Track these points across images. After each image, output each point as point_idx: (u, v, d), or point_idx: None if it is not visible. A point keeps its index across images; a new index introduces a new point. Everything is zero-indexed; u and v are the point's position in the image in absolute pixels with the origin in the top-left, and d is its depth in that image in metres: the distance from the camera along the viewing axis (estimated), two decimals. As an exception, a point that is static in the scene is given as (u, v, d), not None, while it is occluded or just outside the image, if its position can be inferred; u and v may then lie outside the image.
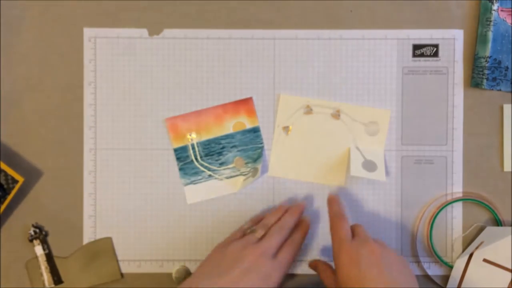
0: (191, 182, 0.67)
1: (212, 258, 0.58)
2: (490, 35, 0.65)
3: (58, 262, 0.67)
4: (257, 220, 0.63)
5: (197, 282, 0.54)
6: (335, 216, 0.60)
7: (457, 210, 0.67)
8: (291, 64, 0.67)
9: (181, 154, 0.67)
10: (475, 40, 0.67)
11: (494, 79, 0.65)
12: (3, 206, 0.64)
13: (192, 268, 0.67)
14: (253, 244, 0.57)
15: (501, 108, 0.67)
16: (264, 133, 0.67)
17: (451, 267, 0.66)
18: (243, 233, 0.60)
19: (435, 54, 0.67)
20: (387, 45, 0.67)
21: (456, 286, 0.64)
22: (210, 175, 0.67)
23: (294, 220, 0.62)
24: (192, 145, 0.67)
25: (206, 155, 0.67)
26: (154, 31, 0.67)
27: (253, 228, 0.60)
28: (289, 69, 0.67)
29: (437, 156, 0.67)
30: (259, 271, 0.54)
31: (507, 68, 0.65)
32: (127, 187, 0.67)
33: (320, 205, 0.67)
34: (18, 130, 0.67)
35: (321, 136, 0.67)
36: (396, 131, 0.67)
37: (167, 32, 0.67)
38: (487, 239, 0.64)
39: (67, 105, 0.67)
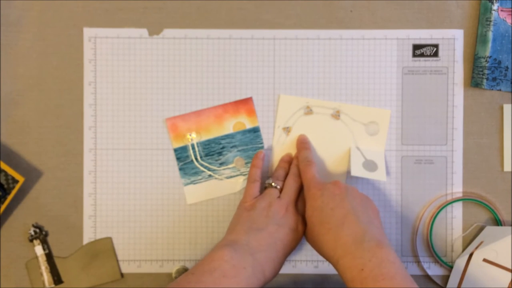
0: (191, 182, 0.67)
1: (243, 218, 0.60)
2: (490, 35, 0.65)
3: (58, 262, 0.67)
4: (258, 166, 0.65)
5: (237, 238, 0.58)
6: (303, 162, 0.64)
7: (457, 210, 0.67)
8: (291, 64, 0.67)
9: (181, 154, 0.67)
10: (475, 40, 0.67)
11: (494, 79, 0.65)
12: (3, 206, 0.64)
13: (192, 268, 0.67)
14: (277, 200, 0.61)
15: (501, 108, 0.67)
16: (264, 133, 0.67)
17: (451, 267, 0.66)
18: (259, 187, 0.63)
19: (435, 54, 0.67)
20: (387, 45, 0.67)
21: (456, 286, 0.64)
22: (210, 175, 0.67)
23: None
24: (192, 145, 0.67)
25: (206, 155, 0.67)
26: (154, 31, 0.67)
27: (271, 183, 0.63)
28: (289, 69, 0.67)
29: (437, 156, 0.67)
30: (288, 225, 0.60)
31: (507, 68, 0.65)
32: (127, 187, 0.67)
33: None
34: (18, 130, 0.67)
35: (321, 136, 0.67)
36: (396, 131, 0.67)
37: (167, 32, 0.67)
38: (487, 239, 0.64)
39: (67, 105, 0.67)
